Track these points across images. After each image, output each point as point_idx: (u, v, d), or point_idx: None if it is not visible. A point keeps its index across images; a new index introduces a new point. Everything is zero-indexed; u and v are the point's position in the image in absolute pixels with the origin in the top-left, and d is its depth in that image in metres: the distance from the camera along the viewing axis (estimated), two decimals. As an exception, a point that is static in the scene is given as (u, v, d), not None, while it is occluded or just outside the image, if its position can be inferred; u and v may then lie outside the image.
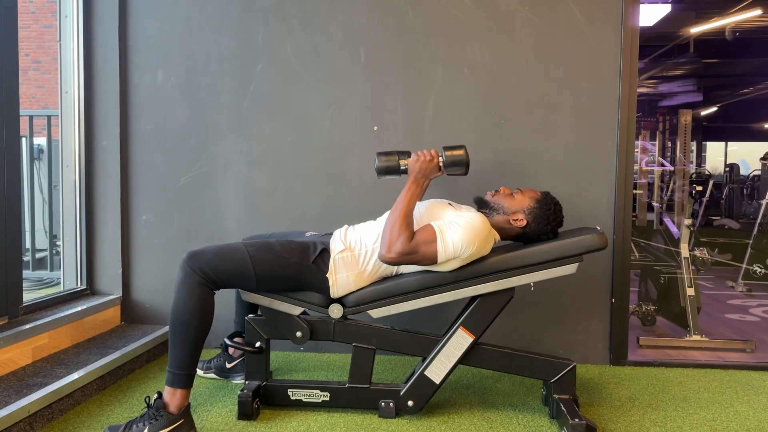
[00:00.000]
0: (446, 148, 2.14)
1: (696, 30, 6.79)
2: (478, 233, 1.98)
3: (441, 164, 2.12)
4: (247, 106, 2.87)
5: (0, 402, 1.90)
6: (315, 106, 2.84)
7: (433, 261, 2.00)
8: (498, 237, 2.15)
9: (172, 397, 1.88)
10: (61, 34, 2.88)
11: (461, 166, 2.13)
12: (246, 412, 2.08)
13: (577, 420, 1.90)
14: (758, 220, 5.38)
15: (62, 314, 2.53)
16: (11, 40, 2.38)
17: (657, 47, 7.70)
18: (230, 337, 2.33)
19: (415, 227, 2.04)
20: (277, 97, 2.85)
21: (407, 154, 2.14)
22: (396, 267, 2.11)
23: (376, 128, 2.81)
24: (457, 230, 1.97)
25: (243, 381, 2.33)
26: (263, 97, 2.86)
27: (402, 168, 2.13)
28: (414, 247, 1.98)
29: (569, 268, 2.07)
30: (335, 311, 2.12)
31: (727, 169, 9.03)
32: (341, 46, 2.82)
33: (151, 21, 2.88)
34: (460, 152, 2.13)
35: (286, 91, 2.85)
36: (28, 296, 2.61)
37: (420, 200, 2.12)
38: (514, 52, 2.76)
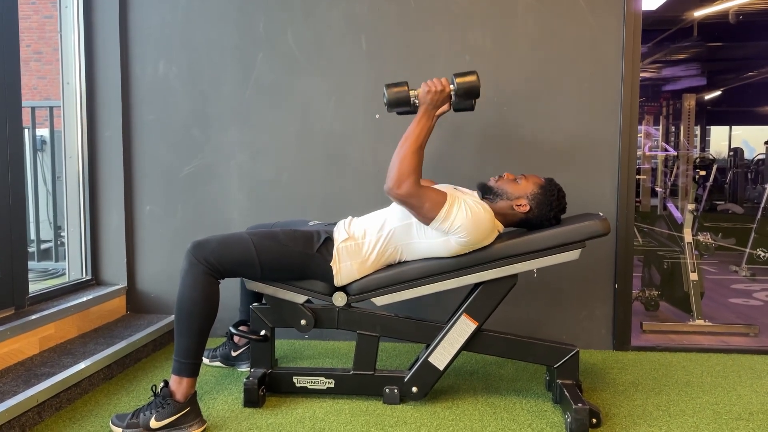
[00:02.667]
0: (457, 75, 2.05)
1: (699, 13, 6.72)
2: (480, 226, 1.98)
3: (453, 93, 2.05)
4: (249, 96, 2.86)
5: (9, 391, 1.92)
6: (317, 96, 2.84)
7: (426, 221, 1.98)
8: (502, 229, 2.15)
9: (179, 386, 1.90)
10: (61, 25, 2.87)
11: (473, 93, 2.04)
12: (252, 400, 2.10)
13: (580, 405, 1.91)
14: (762, 205, 5.37)
15: (68, 304, 2.54)
16: (12, 31, 2.37)
17: (660, 31, 7.63)
18: (235, 326, 2.34)
19: None
20: (279, 87, 2.85)
21: (417, 88, 2.07)
22: (399, 254, 2.11)
23: (378, 116, 2.81)
24: (465, 213, 1.95)
25: (248, 369, 2.34)
26: (265, 87, 2.85)
27: (412, 99, 2.06)
28: (421, 196, 1.94)
29: (572, 255, 2.07)
30: (339, 299, 2.12)
31: (731, 153, 9.00)
32: (343, 35, 2.81)
33: (151, 11, 2.87)
34: (472, 78, 2.03)
35: (288, 81, 2.84)
36: (34, 287, 2.63)
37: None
38: (516, 38, 2.75)
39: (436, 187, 2.12)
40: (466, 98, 2.07)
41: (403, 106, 2.07)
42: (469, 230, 1.97)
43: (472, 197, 2.08)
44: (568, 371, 2.12)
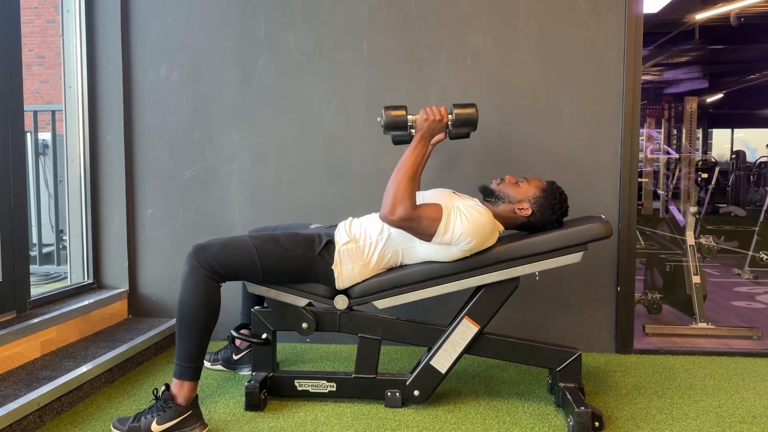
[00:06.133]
0: (456, 106, 2.05)
1: (701, 16, 6.73)
2: (480, 229, 1.98)
3: (450, 123, 2.05)
4: (250, 99, 2.87)
5: (10, 395, 1.92)
6: (318, 99, 2.84)
7: (428, 238, 1.99)
8: (502, 229, 2.15)
9: (180, 389, 1.90)
10: (63, 30, 2.88)
11: (471, 125, 2.05)
12: (253, 403, 2.09)
13: (583, 408, 1.91)
14: (765, 207, 5.36)
15: (70, 308, 2.54)
16: (15, 36, 2.38)
17: (662, 34, 7.64)
18: (237, 329, 2.34)
19: None
20: (280, 90, 2.85)
21: (415, 113, 2.07)
22: (400, 257, 2.11)
23: (379, 119, 2.80)
24: (462, 220, 1.96)
25: (250, 372, 2.34)
26: (266, 91, 2.86)
27: (410, 124, 2.05)
28: (417, 217, 1.95)
29: (574, 257, 2.07)
30: (341, 302, 2.12)
31: (733, 156, 8.99)
32: (344, 38, 2.81)
33: (153, 15, 2.88)
34: (471, 110, 2.04)
35: (289, 84, 2.85)
36: (36, 291, 2.63)
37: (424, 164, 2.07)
38: (517, 42, 2.75)
39: (431, 195, 2.13)
40: (463, 128, 2.08)
41: (400, 129, 2.06)
42: (471, 236, 1.97)
43: (468, 201, 2.08)
44: (570, 374, 2.11)
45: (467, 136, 2.14)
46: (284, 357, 2.70)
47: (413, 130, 2.07)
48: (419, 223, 1.96)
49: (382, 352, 2.58)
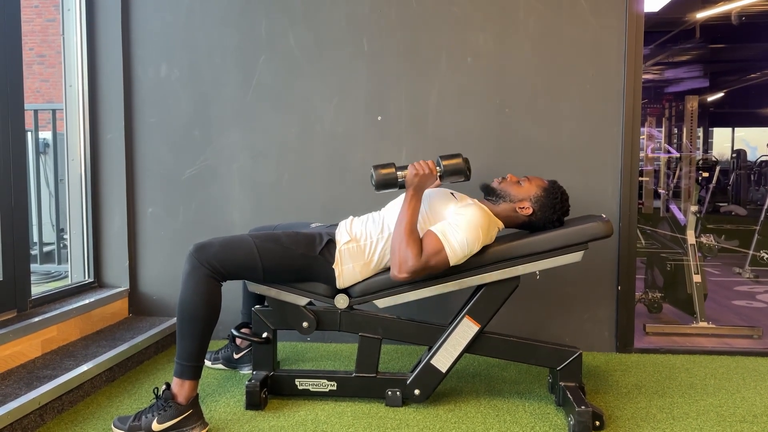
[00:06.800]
0: (443, 157, 2.10)
1: (702, 15, 6.72)
2: (479, 226, 1.98)
3: (439, 175, 2.09)
4: (250, 98, 2.86)
5: (11, 394, 1.92)
6: (318, 97, 2.84)
7: (447, 266, 1.99)
8: (501, 225, 2.15)
9: (181, 388, 1.90)
10: (64, 28, 2.87)
11: (460, 174, 2.09)
12: (254, 402, 2.10)
13: (583, 407, 1.90)
14: (765, 206, 5.36)
15: (70, 307, 2.54)
16: (15, 34, 2.38)
17: (662, 33, 7.63)
18: (237, 328, 2.34)
19: (421, 222, 2.05)
20: (281, 89, 2.85)
21: (404, 167, 2.10)
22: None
23: (380, 118, 2.81)
24: (460, 232, 1.97)
25: (251, 371, 2.34)
26: (267, 89, 2.86)
27: (399, 181, 2.08)
28: (425, 263, 1.96)
29: (575, 256, 2.07)
30: (341, 301, 2.12)
31: (734, 155, 8.98)
32: (344, 36, 2.81)
33: (153, 14, 2.88)
34: (458, 161, 2.08)
35: (289, 83, 2.85)
36: (37, 289, 2.63)
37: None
38: (518, 40, 2.75)
39: (429, 196, 2.14)
40: (452, 177, 2.09)
41: (391, 187, 2.09)
42: (476, 238, 1.98)
43: (462, 203, 2.08)
44: (571, 373, 2.11)
45: (467, 179, 2.15)
46: (285, 356, 2.70)
47: (404, 179, 2.07)
48: (429, 265, 1.97)
49: (383, 351, 2.58)
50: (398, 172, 2.08)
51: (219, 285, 1.97)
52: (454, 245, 1.96)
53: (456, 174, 2.09)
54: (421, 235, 2.01)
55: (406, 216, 2.02)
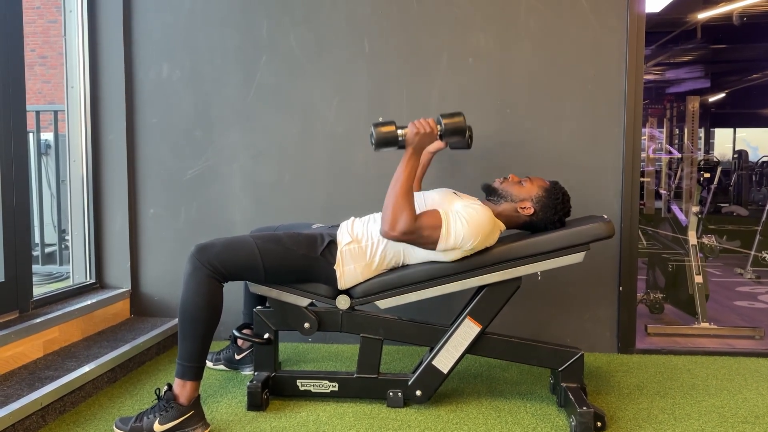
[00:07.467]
0: (444, 116, 2.05)
1: (703, 15, 6.72)
2: (481, 228, 1.98)
3: (440, 134, 2.05)
4: (251, 98, 2.87)
5: (13, 395, 1.92)
6: (319, 98, 2.84)
7: (432, 246, 1.99)
8: (503, 227, 2.15)
9: (182, 389, 1.90)
10: (66, 30, 2.88)
11: (461, 133, 2.04)
12: (255, 403, 2.10)
13: (585, 408, 1.90)
14: (767, 207, 5.35)
15: (72, 308, 2.55)
16: (17, 36, 2.38)
17: (664, 33, 7.63)
18: (239, 329, 2.34)
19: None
20: (282, 89, 2.85)
21: (405, 127, 2.06)
22: (402, 257, 2.10)
23: (381, 119, 2.80)
24: (462, 223, 1.96)
25: (252, 372, 2.34)
26: (268, 90, 2.86)
27: (400, 140, 2.04)
28: (418, 228, 1.96)
29: (576, 257, 2.07)
30: (343, 302, 2.12)
31: (735, 155, 8.97)
32: (345, 37, 2.81)
33: (155, 15, 2.88)
34: (459, 119, 2.04)
35: (290, 83, 2.85)
36: (38, 290, 2.63)
37: (417, 173, 2.08)
38: (519, 41, 2.75)
39: (432, 195, 2.13)
40: (453, 138, 2.07)
41: (390, 145, 2.05)
42: (473, 237, 1.97)
43: (468, 200, 2.08)
44: (572, 374, 2.11)
45: (468, 146, 2.13)
46: (286, 357, 2.70)
47: (404, 137, 2.04)
48: (420, 234, 1.97)
49: (384, 352, 2.58)
50: (399, 130, 2.04)
51: (220, 286, 1.97)
52: (451, 231, 1.96)
53: (457, 134, 2.05)
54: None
55: (402, 175, 2.00)
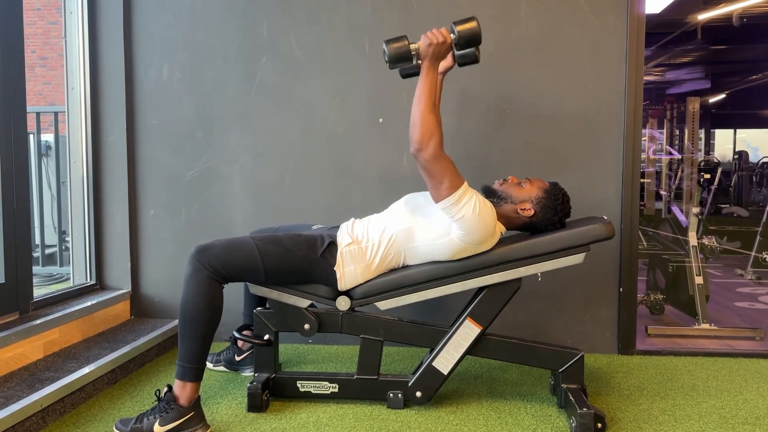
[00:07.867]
0: (457, 23, 1.92)
1: (703, 16, 6.73)
2: (482, 225, 1.97)
3: (455, 42, 1.95)
4: (252, 99, 2.87)
5: (13, 396, 1.92)
6: (320, 99, 2.84)
7: (438, 197, 1.93)
8: (503, 229, 2.15)
9: (182, 390, 1.90)
10: (66, 31, 2.88)
11: (475, 40, 1.93)
12: (255, 404, 2.09)
13: (585, 409, 1.90)
14: (767, 208, 5.35)
15: (72, 309, 2.55)
16: (17, 37, 2.38)
17: (664, 34, 7.64)
18: (239, 330, 2.34)
19: (421, 215, 2.04)
20: (282, 90, 2.86)
21: (416, 42, 1.98)
22: (402, 257, 2.10)
23: (381, 120, 2.81)
24: (473, 206, 1.93)
25: (252, 373, 2.34)
26: (268, 91, 2.86)
27: (414, 52, 1.96)
28: (445, 168, 1.90)
29: (576, 258, 2.07)
30: (343, 303, 2.12)
31: (735, 156, 8.97)
32: (345, 38, 2.82)
33: (155, 16, 2.89)
34: (473, 24, 1.90)
35: (291, 84, 2.85)
36: (39, 292, 2.63)
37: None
38: (518, 41, 2.75)
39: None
40: (468, 46, 1.96)
41: (405, 61, 1.96)
42: (470, 225, 1.94)
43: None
44: (572, 375, 2.11)
45: (476, 61, 2.03)
46: (286, 358, 2.70)
47: (417, 51, 1.96)
48: (443, 177, 1.90)
49: (385, 353, 2.58)
50: (411, 45, 1.96)
51: (221, 287, 1.97)
52: (461, 202, 1.91)
53: (472, 42, 1.94)
54: (417, 219, 2.01)
55: (424, 90, 1.91)
